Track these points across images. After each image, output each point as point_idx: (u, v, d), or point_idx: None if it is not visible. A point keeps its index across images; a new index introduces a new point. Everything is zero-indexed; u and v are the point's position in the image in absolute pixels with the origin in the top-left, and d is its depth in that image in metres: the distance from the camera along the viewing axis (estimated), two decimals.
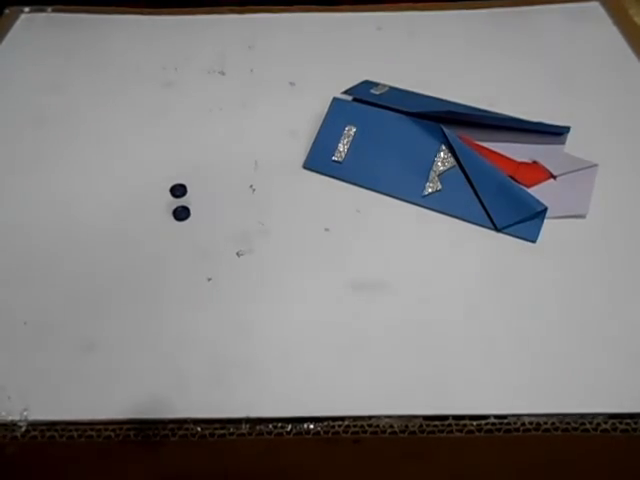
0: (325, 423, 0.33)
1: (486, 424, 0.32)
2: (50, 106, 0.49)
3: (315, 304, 0.37)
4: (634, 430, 0.32)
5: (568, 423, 0.32)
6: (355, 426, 0.33)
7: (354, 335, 0.36)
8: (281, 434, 0.32)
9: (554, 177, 0.43)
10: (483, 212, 0.41)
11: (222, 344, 0.36)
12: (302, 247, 0.40)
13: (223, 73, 0.51)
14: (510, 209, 0.40)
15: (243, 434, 0.32)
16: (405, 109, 0.44)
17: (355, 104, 0.46)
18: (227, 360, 0.35)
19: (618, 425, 0.32)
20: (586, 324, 0.36)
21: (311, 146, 0.45)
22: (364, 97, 0.47)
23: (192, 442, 0.32)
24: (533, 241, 0.40)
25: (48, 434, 0.32)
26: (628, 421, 0.32)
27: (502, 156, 0.44)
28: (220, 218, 0.41)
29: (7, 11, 0.58)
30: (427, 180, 0.42)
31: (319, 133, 0.45)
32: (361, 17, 0.56)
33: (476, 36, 0.55)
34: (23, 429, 0.32)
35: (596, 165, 0.44)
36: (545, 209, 0.40)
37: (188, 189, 0.43)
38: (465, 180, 0.42)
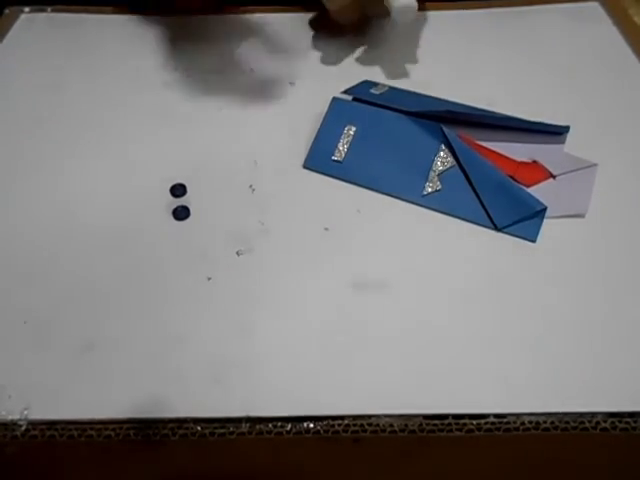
0: (325, 422, 0.33)
1: (486, 423, 0.33)
2: (50, 106, 0.49)
3: (315, 303, 0.37)
4: (634, 429, 0.32)
5: (567, 422, 0.32)
6: (355, 425, 0.33)
7: (354, 334, 0.36)
8: (281, 433, 0.32)
9: (554, 177, 0.43)
10: (483, 212, 0.41)
11: (222, 343, 0.36)
12: (302, 247, 0.40)
13: (223, 73, 0.51)
14: (510, 208, 0.41)
15: (243, 433, 0.32)
16: (405, 109, 0.44)
17: (355, 104, 0.46)
18: (227, 359, 0.35)
19: (618, 424, 0.32)
20: (585, 323, 0.36)
21: (311, 146, 0.45)
22: (364, 97, 0.47)
23: (192, 441, 0.32)
24: (533, 240, 0.40)
25: (48, 433, 0.32)
26: (628, 420, 0.32)
27: (502, 156, 0.44)
28: (220, 218, 0.42)
29: (7, 11, 0.58)
30: (427, 180, 0.42)
31: (319, 132, 0.45)
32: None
33: (476, 36, 0.55)
34: (23, 428, 0.32)
35: (596, 165, 0.44)
36: (545, 208, 0.40)
37: (188, 189, 0.43)
38: (465, 180, 0.42)
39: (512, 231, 0.40)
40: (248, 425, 0.33)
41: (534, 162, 0.44)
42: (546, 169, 0.43)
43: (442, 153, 0.43)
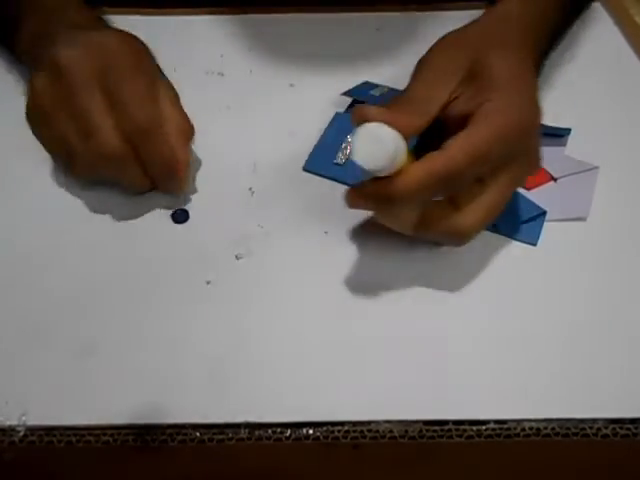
0: (324, 428, 0.33)
1: (486, 429, 0.32)
2: None
3: (314, 307, 0.37)
4: (635, 435, 0.32)
5: (568, 428, 0.32)
6: (355, 431, 0.32)
7: (353, 339, 0.36)
8: (280, 439, 0.32)
9: (555, 179, 0.43)
10: None
11: (221, 348, 0.36)
12: (301, 250, 0.40)
13: (222, 74, 0.51)
14: (510, 212, 0.40)
15: (242, 439, 0.32)
16: None
17: None
18: (226, 365, 0.35)
19: (619, 430, 0.32)
20: (586, 328, 0.36)
21: (312, 149, 0.45)
22: (364, 98, 0.46)
23: (191, 447, 0.32)
24: (534, 244, 0.40)
25: (46, 439, 0.32)
26: (629, 426, 0.32)
27: None
28: (219, 221, 0.41)
29: None
30: None
31: (320, 139, 0.45)
32: (361, 17, 0.56)
33: None
34: (21, 434, 0.32)
35: (597, 167, 0.43)
36: (544, 212, 0.40)
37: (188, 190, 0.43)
38: None
39: (513, 234, 0.40)
40: (247, 431, 0.32)
41: None
42: (547, 172, 0.43)
43: None
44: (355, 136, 0.31)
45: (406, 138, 0.33)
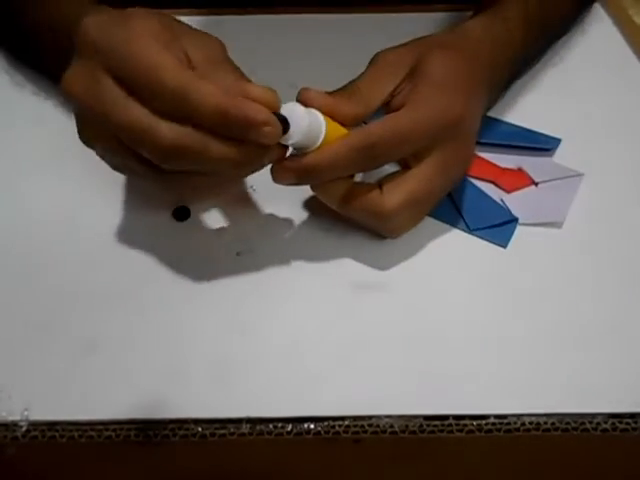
0: (325, 423, 0.33)
1: (486, 424, 0.33)
2: (50, 106, 0.48)
3: (315, 304, 0.37)
4: (634, 430, 0.32)
5: (568, 423, 0.32)
6: (355, 426, 0.33)
7: (354, 335, 0.36)
8: (281, 434, 0.32)
9: (536, 184, 0.43)
10: (458, 214, 0.41)
11: (222, 344, 0.36)
12: (303, 247, 0.40)
13: None
14: (483, 215, 0.41)
15: (243, 434, 0.32)
16: None
17: None
18: (227, 360, 0.35)
19: (618, 425, 0.32)
20: (585, 324, 0.36)
21: None
22: None
23: (193, 442, 0.32)
24: (504, 246, 0.40)
25: (49, 434, 0.32)
26: (628, 421, 0.33)
27: (486, 161, 0.44)
28: (220, 218, 0.41)
29: None
30: None
31: None
32: (361, 17, 0.56)
33: None
34: (24, 429, 0.32)
35: (582, 175, 0.43)
36: (516, 219, 0.41)
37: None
38: None
39: (484, 235, 0.40)
40: (249, 426, 0.33)
41: (519, 169, 0.44)
42: (529, 176, 0.43)
43: None
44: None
45: (347, 125, 0.36)
